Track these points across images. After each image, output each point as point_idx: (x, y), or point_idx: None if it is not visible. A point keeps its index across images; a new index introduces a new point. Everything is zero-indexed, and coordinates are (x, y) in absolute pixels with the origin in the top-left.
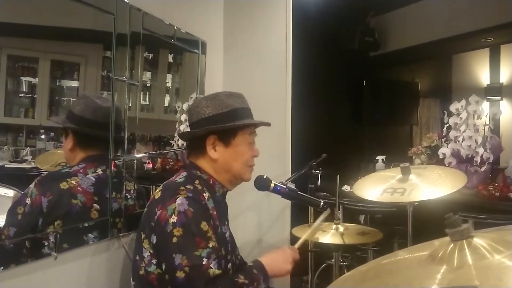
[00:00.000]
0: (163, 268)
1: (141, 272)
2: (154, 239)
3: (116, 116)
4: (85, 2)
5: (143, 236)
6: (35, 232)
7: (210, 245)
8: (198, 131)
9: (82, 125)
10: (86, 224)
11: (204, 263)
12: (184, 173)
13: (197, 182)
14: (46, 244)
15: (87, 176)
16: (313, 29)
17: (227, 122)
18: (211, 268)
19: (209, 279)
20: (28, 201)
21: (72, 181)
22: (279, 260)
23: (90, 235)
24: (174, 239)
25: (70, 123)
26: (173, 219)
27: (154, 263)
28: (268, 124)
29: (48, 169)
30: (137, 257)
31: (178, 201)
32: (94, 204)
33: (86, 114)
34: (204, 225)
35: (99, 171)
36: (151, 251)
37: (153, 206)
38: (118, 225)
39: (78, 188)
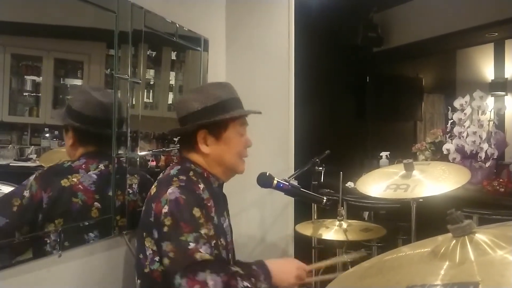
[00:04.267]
0: None
1: (146, 270)
2: (156, 234)
3: (118, 113)
4: (87, 1)
5: (144, 234)
6: (33, 228)
7: (202, 231)
8: (187, 127)
9: (82, 122)
10: (86, 223)
11: (190, 247)
12: (178, 166)
13: (191, 173)
14: (48, 242)
15: (89, 173)
16: (316, 25)
17: (216, 115)
18: (199, 252)
19: (195, 262)
20: (26, 193)
21: (73, 179)
22: (284, 268)
23: (91, 234)
24: (165, 228)
25: (69, 119)
26: (165, 209)
27: (157, 260)
28: (259, 112)
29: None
30: (141, 256)
31: (170, 190)
32: (95, 203)
33: (85, 110)
34: (196, 211)
35: (101, 167)
36: (154, 248)
37: (149, 203)
38: (119, 223)
39: (79, 186)
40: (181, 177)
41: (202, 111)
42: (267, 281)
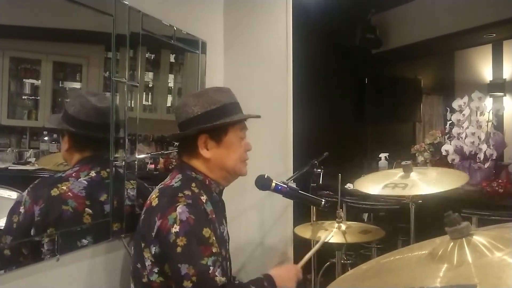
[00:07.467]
0: (169, 276)
1: (144, 280)
2: (154, 249)
3: (116, 116)
4: (84, 4)
5: (143, 244)
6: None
7: (214, 251)
8: (188, 132)
9: (77, 127)
10: (79, 228)
11: (210, 271)
12: (179, 176)
13: (193, 185)
14: (42, 250)
15: (79, 180)
16: (314, 27)
17: (217, 119)
18: (216, 276)
19: (217, 286)
20: (21, 209)
21: (63, 187)
22: (286, 277)
23: (84, 240)
24: (178, 249)
25: (65, 124)
26: (175, 228)
27: (156, 271)
28: (257, 116)
29: (51, 169)
30: (139, 265)
31: (179, 209)
32: (86, 209)
33: (81, 115)
34: (206, 231)
35: (93, 173)
36: (153, 260)
37: (151, 214)
38: (115, 227)
39: (69, 193)
40: (186, 192)
41: (202, 115)
42: None
